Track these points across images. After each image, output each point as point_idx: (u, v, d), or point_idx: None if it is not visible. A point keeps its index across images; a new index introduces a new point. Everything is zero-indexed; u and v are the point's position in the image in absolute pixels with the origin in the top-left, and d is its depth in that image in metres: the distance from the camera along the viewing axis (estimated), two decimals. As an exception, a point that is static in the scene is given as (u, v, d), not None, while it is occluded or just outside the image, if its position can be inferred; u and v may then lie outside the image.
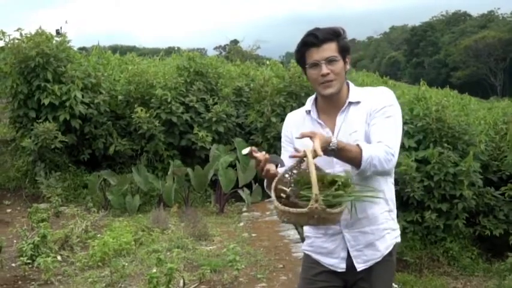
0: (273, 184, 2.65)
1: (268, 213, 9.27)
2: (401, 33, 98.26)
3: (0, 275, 6.31)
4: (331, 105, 2.90)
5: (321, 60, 2.77)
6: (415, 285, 8.81)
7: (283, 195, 2.65)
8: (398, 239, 3.02)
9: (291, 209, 2.51)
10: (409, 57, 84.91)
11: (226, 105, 11.22)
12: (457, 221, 9.58)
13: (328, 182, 2.59)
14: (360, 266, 2.89)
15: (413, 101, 10.73)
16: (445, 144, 9.75)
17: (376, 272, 2.92)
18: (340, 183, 2.57)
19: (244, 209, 9.68)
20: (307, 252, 3.09)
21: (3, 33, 10.50)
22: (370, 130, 2.80)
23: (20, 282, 6.09)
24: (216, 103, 11.18)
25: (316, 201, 2.42)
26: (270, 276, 6.10)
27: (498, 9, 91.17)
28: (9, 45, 10.50)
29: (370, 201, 2.71)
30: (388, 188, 2.95)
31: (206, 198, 10.38)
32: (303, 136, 2.60)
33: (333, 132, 2.83)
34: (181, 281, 5.57)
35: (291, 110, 3.15)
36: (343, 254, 2.90)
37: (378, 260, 2.91)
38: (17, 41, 10.48)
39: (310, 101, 3.01)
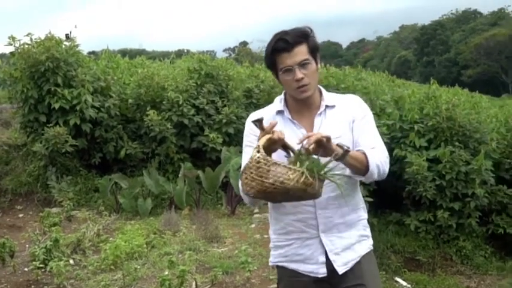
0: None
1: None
2: (411, 32, 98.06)
3: (13, 279, 6.34)
4: (304, 106, 2.87)
5: (293, 65, 2.73)
6: (428, 285, 8.77)
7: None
8: (372, 247, 3.01)
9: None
10: (419, 56, 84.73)
11: (236, 107, 11.22)
12: (470, 219, 9.53)
13: None
14: (341, 269, 2.84)
15: (423, 100, 10.68)
16: (456, 143, 9.69)
17: (360, 267, 2.90)
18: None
19: (256, 210, 9.65)
20: (281, 264, 2.99)
21: (14, 38, 10.53)
22: (357, 138, 2.83)
23: (32, 286, 6.12)
24: (225, 105, 11.18)
25: (258, 151, 2.48)
26: (282, 278, 6.09)
27: (508, 7, 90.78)
28: (19, 50, 10.53)
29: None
30: (361, 195, 3.00)
31: (217, 200, 10.37)
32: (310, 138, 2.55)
33: None
34: (194, 283, 5.58)
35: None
36: (322, 259, 2.84)
37: (358, 259, 2.89)
38: (27, 46, 10.51)
39: (280, 101, 2.97)
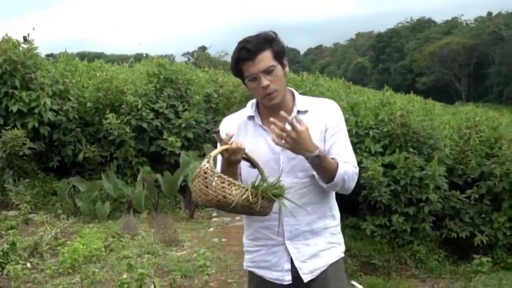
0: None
1: (238, 218, 9.31)
2: (367, 40, 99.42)
3: (-30, 283, 6.27)
4: (275, 112, 2.67)
5: (258, 72, 2.68)
6: (383, 288, 8.93)
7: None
8: (343, 254, 3.00)
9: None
10: (375, 63, 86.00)
11: (196, 112, 11.27)
12: (424, 224, 9.72)
13: None
14: (306, 277, 2.83)
15: (378, 107, 10.85)
16: (411, 149, 9.88)
17: (326, 276, 2.88)
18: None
19: (214, 214, 9.70)
20: (250, 269, 3.01)
21: (-30, 41, 10.41)
22: (330, 147, 2.79)
23: (-11, 290, 6.06)
24: (185, 109, 11.22)
25: (208, 161, 2.49)
26: (240, 281, 6.15)
27: (462, 16, 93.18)
28: (-25, 53, 10.40)
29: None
30: (334, 203, 3.00)
31: (176, 204, 10.38)
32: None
33: None
34: (152, 287, 5.60)
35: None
36: (287, 266, 2.84)
37: (324, 268, 2.87)
38: (-17, 48, 10.39)
39: (252, 106, 2.91)
